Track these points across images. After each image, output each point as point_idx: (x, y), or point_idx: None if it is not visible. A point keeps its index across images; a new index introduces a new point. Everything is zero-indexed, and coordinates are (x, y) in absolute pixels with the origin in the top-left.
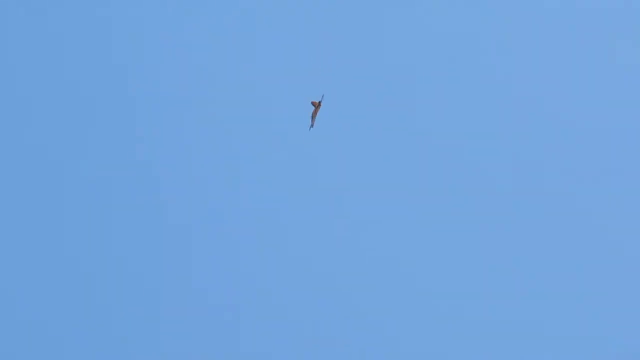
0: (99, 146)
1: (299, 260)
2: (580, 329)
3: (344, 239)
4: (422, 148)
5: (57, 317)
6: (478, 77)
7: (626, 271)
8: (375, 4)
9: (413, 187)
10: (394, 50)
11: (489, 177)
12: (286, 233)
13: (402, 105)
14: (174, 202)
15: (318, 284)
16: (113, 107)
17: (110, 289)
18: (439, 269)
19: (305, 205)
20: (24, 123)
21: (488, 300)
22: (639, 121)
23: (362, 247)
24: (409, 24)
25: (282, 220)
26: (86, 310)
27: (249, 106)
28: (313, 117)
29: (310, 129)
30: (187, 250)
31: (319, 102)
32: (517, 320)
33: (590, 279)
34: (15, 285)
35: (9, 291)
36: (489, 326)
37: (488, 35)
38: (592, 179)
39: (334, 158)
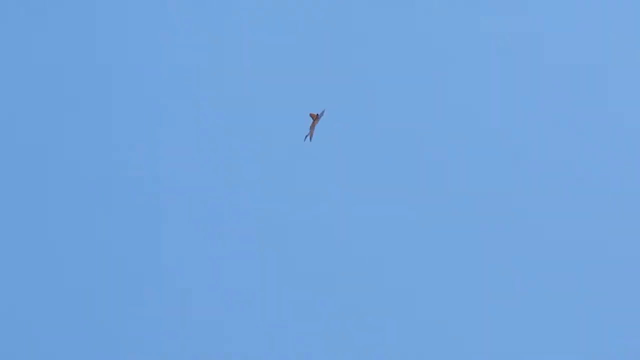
0: (96, 146)
1: (294, 261)
2: (579, 330)
3: (341, 240)
4: (419, 149)
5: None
6: (476, 78)
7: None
8: (374, 4)
9: (409, 188)
10: (392, 51)
11: (485, 177)
12: (283, 235)
13: (398, 106)
14: (173, 204)
15: (316, 285)
16: (107, 106)
17: (102, 291)
18: (436, 269)
19: (302, 206)
20: (21, 122)
21: (484, 301)
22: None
23: (359, 249)
24: (405, 26)
25: (277, 221)
26: (83, 310)
27: (247, 106)
28: (311, 129)
29: (305, 139)
30: (184, 251)
31: (317, 115)
32: (515, 321)
33: (589, 281)
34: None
35: None
36: (485, 327)
37: (486, 38)
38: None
39: (332, 159)
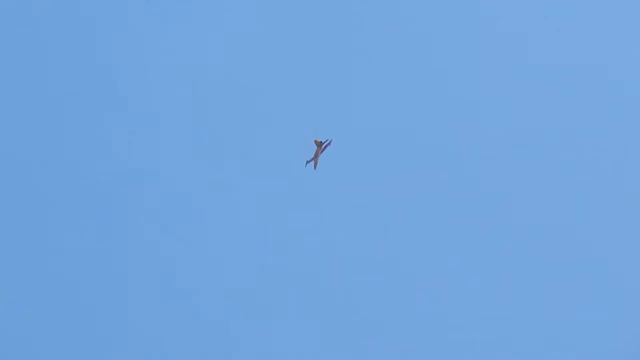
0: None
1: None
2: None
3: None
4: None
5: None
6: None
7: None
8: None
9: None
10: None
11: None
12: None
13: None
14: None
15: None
16: (104, 107)
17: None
18: (434, 271)
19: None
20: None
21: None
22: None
23: (358, 251)
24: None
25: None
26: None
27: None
28: (316, 157)
29: (306, 164)
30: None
31: (322, 143)
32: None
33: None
34: None
35: None
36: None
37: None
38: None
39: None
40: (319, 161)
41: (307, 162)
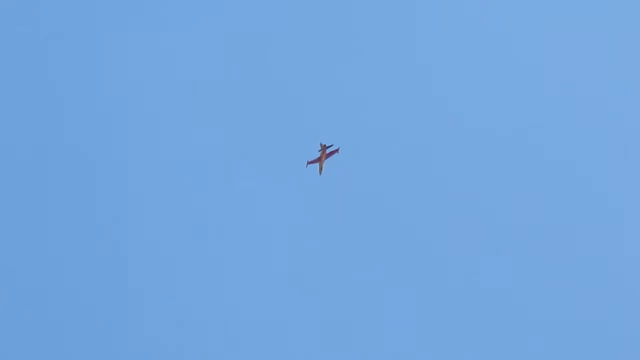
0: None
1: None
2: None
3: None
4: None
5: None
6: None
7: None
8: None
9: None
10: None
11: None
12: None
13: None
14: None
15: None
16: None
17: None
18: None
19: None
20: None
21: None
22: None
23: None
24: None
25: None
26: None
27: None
28: (321, 162)
29: (307, 165)
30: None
31: (326, 146)
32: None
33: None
34: None
35: None
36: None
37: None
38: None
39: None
40: (324, 166)
41: (309, 162)
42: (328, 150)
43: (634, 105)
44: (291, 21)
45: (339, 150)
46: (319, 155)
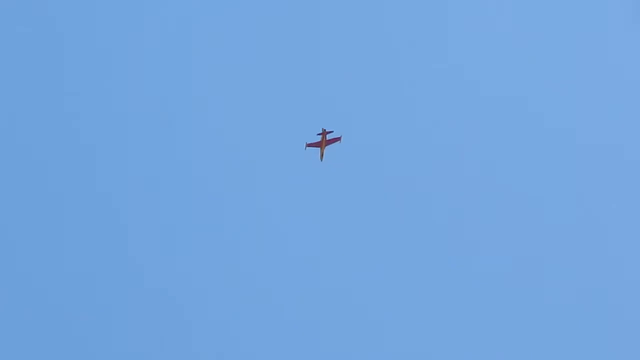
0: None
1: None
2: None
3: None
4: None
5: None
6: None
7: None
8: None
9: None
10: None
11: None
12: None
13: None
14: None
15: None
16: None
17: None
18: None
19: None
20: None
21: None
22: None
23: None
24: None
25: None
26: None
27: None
28: (321, 146)
29: (306, 147)
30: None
31: (326, 131)
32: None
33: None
34: None
35: None
36: None
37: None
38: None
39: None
40: (324, 153)
41: (307, 145)
42: (329, 137)
43: None
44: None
45: (341, 139)
46: (319, 140)
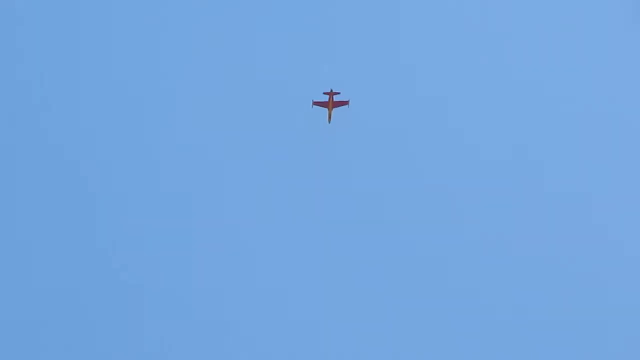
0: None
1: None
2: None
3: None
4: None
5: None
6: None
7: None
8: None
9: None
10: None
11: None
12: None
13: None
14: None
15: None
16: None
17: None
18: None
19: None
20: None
21: None
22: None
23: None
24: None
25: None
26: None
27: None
28: (329, 107)
29: (312, 105)
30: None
31: (332, 92)
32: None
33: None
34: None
35: None
36: None
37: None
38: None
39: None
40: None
41: (314, 103)
42: (336, 98)
43: None
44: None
45: (349, 104)
46: (327, 100)
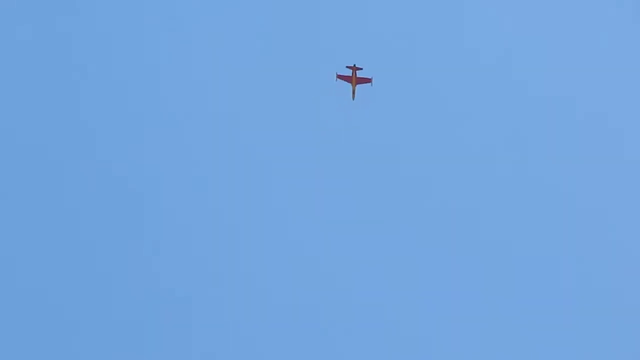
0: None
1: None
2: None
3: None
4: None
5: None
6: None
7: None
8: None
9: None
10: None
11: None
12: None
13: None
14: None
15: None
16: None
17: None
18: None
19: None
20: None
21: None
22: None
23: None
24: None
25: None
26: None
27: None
28: (353, 83)
29: (336, 79)
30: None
31: (355, 67)
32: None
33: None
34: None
35: None
36: None
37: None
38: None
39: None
40: (356, 91)
41: (339, 76)
42: (359, 74)
43: None
44: None
45: (372, 82)
46: (350, 74)
